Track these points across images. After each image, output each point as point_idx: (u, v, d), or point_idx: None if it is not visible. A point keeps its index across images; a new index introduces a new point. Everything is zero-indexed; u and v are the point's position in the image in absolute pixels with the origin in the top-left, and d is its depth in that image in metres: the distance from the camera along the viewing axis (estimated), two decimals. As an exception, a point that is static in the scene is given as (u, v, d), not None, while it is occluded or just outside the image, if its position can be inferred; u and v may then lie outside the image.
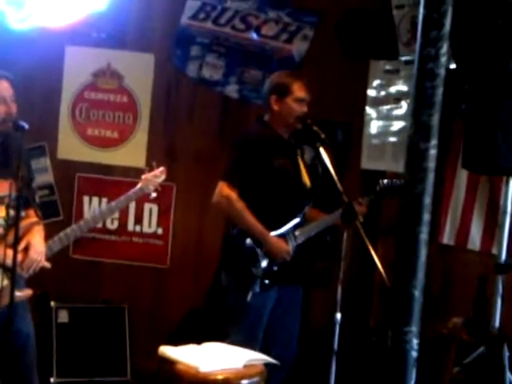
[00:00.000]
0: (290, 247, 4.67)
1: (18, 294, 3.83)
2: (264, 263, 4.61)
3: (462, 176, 5.77)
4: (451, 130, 5.69)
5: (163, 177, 4.59)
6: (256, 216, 4.59)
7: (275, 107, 4.70)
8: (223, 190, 4.56)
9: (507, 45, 4.91)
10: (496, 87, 4.92)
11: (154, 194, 4.53)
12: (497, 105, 4.85)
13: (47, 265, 4.02)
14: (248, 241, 4.61)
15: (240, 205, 4.56)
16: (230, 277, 4.69)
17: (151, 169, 4.57)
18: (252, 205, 4.59)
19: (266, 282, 4.61)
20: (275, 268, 4.64)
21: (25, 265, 3.90)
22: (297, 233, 4.72)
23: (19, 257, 3.86)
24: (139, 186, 4.46)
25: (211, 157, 5.92)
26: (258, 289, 4.57)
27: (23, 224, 3.93)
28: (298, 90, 4.71)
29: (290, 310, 4.83)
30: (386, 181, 4.86)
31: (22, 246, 3.90)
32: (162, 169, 4.59)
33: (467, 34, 5.00)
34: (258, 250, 4.61)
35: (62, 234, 4.13)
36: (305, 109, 4.72)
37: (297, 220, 4.76)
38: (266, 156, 4.63)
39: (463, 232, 5.80)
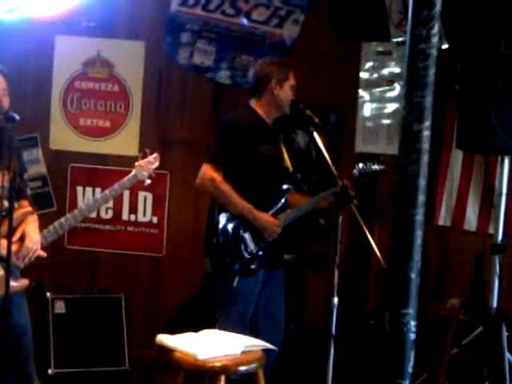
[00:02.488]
0: (279, 221, 4.66)
1: (13, 284, 3.82)
2: (250, 247, 4.63)
3: (457, 157, 5.77)
4: (445, 110, 5.69)
5: (157, 163, 4.57)
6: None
7: (274, 91, 4.72)
8: (207, 172, 4.57)
9: (499, 24, 4.90)
10: (489, 67, 4.92)
11: (148, 181, 4.51)
12: (490, 84, 4.85)
13: (43, 254, 4.01)
14: (233, 225, 4.61)
15: (225, 186, 4.57)
16: (216, 263, 4.69)
17: (145, 155, 4.55)
18: (236, 189, 4.59)
19: (252, 266, 4.63)
20: (260, 253, 4.65)
21: (20, 254, 3.89)
22: (279, 217, 4.71)
23: (15, 247, 3.85)
24: (133, 173, 4.43)
25: (204, 143, 5.88)
26: (243, 273, 4.58)
27: (17, 214, 3.91)
28: (293, 78, 4.76)
29: (275, 294, 4.84)
30: (361, 165, 4.84)
31: (17, 235, 3.89)
32: (155, 155, 4.56)
33: (459, 13, 4.99)
34: (245, 234, 4.63)
35: (56, 223, 4.11)
36: (294, 97, 4.77)
37: (279, 204, 4.76)
38: (251, 141, 4.65)
39: (459, 213, 5.81)
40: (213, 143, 4.75)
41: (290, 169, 4.89)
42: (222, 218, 4.64)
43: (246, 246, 4.62)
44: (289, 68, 4.77)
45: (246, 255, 4.61)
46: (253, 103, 4.80)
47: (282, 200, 4.78)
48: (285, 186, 4.78)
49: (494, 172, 5.64)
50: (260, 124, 4.75)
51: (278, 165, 4.80)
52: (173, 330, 4.16)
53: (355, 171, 4.81)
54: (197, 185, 4.66)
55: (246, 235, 4.64)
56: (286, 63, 4.88)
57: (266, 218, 4.64)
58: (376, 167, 4.82)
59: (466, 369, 5.43)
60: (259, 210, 4.65)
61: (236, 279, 4.57)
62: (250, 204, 4.61)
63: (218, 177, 4.55)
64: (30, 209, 4.07)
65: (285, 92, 4.72)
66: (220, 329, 4.35)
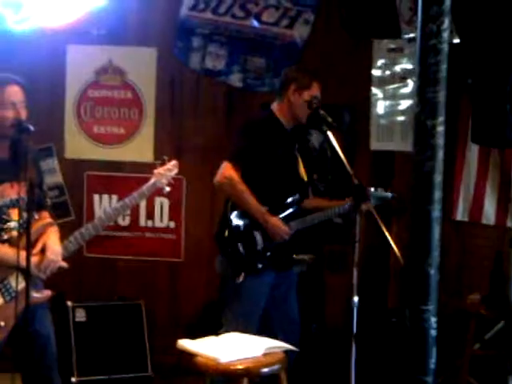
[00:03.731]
0: (288, 229, 4.70)
1: (36, 295, 3.84)
2: (259, 246, 4.68)
3: (473, 151, 5.75)
4: (459, 105, 5.67)
5: (176, 170, 4.56)
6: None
7: (292, 97, 4.74)
8: (226, 170, 4.59)
9: (511, 16, 4.87)
10: (502, 60, 4.89)
11: (167, 189, 4.50)
12: (504, 77, 4.82)
13: (64, 265, 4.02)
14: (245, 222, 4.66)
15: (242, 186, 4.59)
16: (226, 262, 4.72)
17: (163, 163, 4.54)
18: (251, 189, 4.62)
19: (259, 265, 4.66)
20: (268, 253, 4.69)
21: (42, 266, 3.90)
22: (292, 223, 4.76)
23: (36, 259, 3.86)
24: (152, 181, 4.42)
25: (218, 147, 5.90)
26: (249, 271, 4.61)
27: (37, 226, 3.93)
28: (316, 89, 4.76)
29: (288, 295, 4.88)
30: (372, 189, 4.88)
31: (38, 247, 3.90)
32: (174, 162, 4.55)
33: (469, 7, 4.97)
34: (256, 233, 4.67)
35: (77, 233, 4.11)
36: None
37: (290, 210, 4.80)
38: (271, 145, 4.68)
39: (477, 207, 5.79)
40: (233, 142, 4.77)
41: (305, 178, 4.94)
42: (236, 214, 4.68)
43: (256, 245, 4.67)
44: (313, 78, 4.76)
45: (254, 253, 4.66)
46: (274, 106, 4.82)
47: (294, 207, 4.81)
48: (290, 199, 4.81)
49: (510, 165, 5.62)
50: (279, 128, 4.78)
51: (291, 171, 4.84)
52: (194, 335, 4.16)
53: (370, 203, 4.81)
54: (215, 182, 4.68)
55: (257, 234, 4.68)
56: (313, 73, 4.87)
57: (277, 223, 4.68)
58: (388, 194, 4.88)
59: (488, 363, 5.41)
60: (271, 211, 4.68)
61: (242, 275, 4.60)
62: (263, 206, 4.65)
63: (235, 176, 4.57)
64: (50, 220, 4.07)
65: (302, 100, 4.72)
66: (226, 330, 4.38)
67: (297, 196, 4.84)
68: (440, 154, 1.79)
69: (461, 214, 5.84)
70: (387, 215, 5.12)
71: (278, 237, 4.67)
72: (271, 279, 4.73)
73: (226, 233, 4.68)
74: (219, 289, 4.97)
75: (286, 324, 4.80)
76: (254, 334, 4.33)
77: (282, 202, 4.77)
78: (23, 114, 3.92)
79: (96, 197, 6.27)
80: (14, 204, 3.90)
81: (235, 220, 4.68)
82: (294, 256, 5.02)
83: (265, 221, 4.64)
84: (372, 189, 4.86)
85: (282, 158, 4.74)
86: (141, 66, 6.25)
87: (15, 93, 3.93)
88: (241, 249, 4.65)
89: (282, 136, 4.77)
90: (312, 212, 4.88)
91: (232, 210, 4.69)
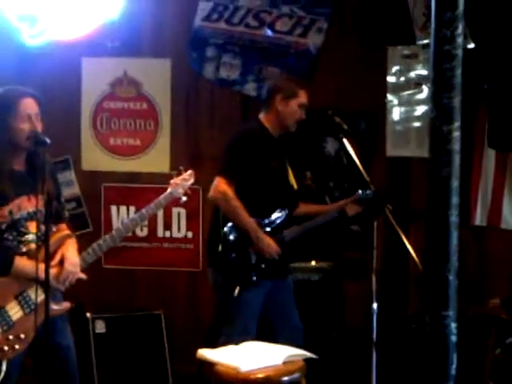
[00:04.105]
0: (279, 249, 4.76)
1: (55, 307, 3.86)
2: (253, 260, 4.72)
3: (490, 156, 5.73)
4: (476, 110, 5.65)
5: (192, 180, 4.58)
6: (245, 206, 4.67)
7: (279, 107, 4.77)
8: (220, 185, 4.62)
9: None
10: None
11: (184, 198, 4.51)
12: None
13: (83, 276, 4.03)
14: (239, 237, 4.68)
15: (236, 203, 4.62)
16: (218, 273, 4.75)
17: (179, 173, 4.56)
18: (242, 200, 4.65)
19: (254, 278, 4.70)
20: (263, 265, 4.73)
21: (61, 278, 3.92)
22: (285, 232, 4.83)
23: (55, 270, 3.88)
24: (169, 191, 4.44)
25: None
26: (245, 284, 4.65)
27: (56, 238, 3.94)
28: (303, 97, 4.80)
29: (285, 301, 4.92)
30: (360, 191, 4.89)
31: (56, 259, 3.92)
32: (190, 172, 4.57)
33: (483, 12, 4.96)
34: (249, 247, 4.71)
35: (95, 245, 4.13)
36: (304, 115, 4.81)
37: (282, 218, 4.84)
38: (263, 155, 4.71)
39: (495, 212, 5.76)
40: (225, 155, 4.78)
41: (295, 186, 4.98)
42: (229, 227, 4.70)
43: (249, 259, 4.70)
44: (299, 87, 4.81)
45: (248, 267, 4.69)
46: (261, 116, 4.85)
47: (283, 215, 4.85)
48: (288, 203, 4.85)
49: (527, 169, 5.60)
50: (267, 137, 4.80)
51: (282, 180, 4.88)
52: (214, 343, 4.17)
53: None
54: (209, 197, 4.74)
55: (250, 248, 4.71)
56: (298, 82, 4.94)
57: (268, 241, 4.72)
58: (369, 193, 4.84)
59: (510, 368, 5.38)
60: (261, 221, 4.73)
61: (237, 289, 4.63)
62: (255, 219, 4.69)
63: (229, 192, 4.60)
64: (68, 232, 4.09)
65: (290, 109, 4.76)
66: (224, 341, 4.39)
67: (286, 210, 4.86)
68: (456, 160, 1.78)
69: (479, 219, 5.82)
70: (405, 221, 5.12)
71: (268, 255, 4.72)
72: (266, 288, 4.77)
73: (220, 247, 4.69)
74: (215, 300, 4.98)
75: (289, 331, 4.81)
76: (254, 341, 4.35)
77: (272, 211, 4.81)
78: (39, 127, 3.95)
79: (113, 208, 6.29)
80: (31, 217, 3.92)
81: (229, 233, 4.70)
82: (296, 264, 5.07)
83: (257, 237, 4.68)
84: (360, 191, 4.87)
85: (273, 165, 4.76)
86: (156, 77, 6.27)
87: (30, 105, 3.96)
88: (235, 262, 4.68)
89: (271, 145, 4.79)
90: (303, 219, 4.94)
91: (224, 222, 4.71)
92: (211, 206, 4.93)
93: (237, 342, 4.23)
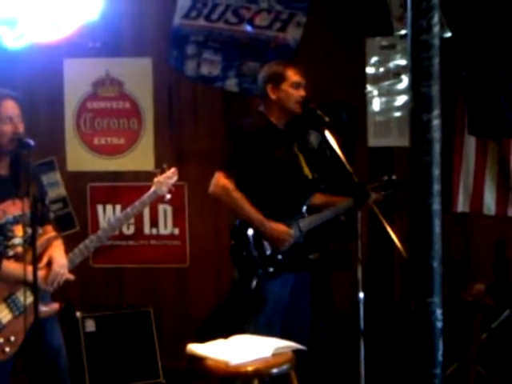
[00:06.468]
0: (291, 230, 4.65)
1: (44, 309, 3.88)
2: (268, 251, 4.61)
3: (471, 143, 5.78)
4: (455, 98, 5.69)
5: (175, 177, 4.60)
6: (258, 208, 4.58)
7: (272, 96, 4.69)
8: (220, 179, 4.55)
9: (501, 7, 4.90)
10: (494, 51, 4.92)
11: (168, 196, 4.55)
12: (497, 68, 4.85)
13: (71, 277, 4.06)
14: (251, 230, 4.61)
15: (237, 194, 4.55)
16: (240, 270, 4.71)
17: (163, 171, 4.59)
18: (253, 197, 4.58)
19: (270, 269, 4.60)
20: (279, 256, 4.63)
21: (49, 279, 3.94)
22: (301, 223, 4.72)
23: (43, 272, 3.90)
24: (153, 189, 4.47)
25: (218, 152, 5.92)
26: (262, 277, 4.58)
27: (42, 240, 3.96)
28: (293, 75, 4.69)
29: (300, 296, 4.81)
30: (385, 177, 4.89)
31: (44, 261, 3.94)
32: (173, 169, 4.60)
33: (459, 1, 4.99)
34: (262, 239, 4.62)
35: (81, 245, 4.16)
36: (302, 92, 4.70)
37: (299, 213, 4.77)
38: (263, 147, 4.62)
39: (477, 198, 5.81)
40: (225, 150, 4.76)
41: (310, 176, 4.87)
42: (241, 223, 4.65)
43: (265, 250, 4.61)
44: (285, 67, 4.71)
45: (264, 259, 4.60)
46: (262, 108, 4.81)
47: (303, 207, 4.79)
48: (305, 193, 4.79)
49: (508, 155, 5.65)
50: (271, 129, 4.72)
51: (292, 170, 4.77)
52: (203, 339, 4.19)
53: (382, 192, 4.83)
54: (210, 192, 4.64)
55: (263, 240, 4.62)
56: (282, 64, 4.82)
57: (276, 227, 4.60)
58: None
59: (496, 352, 5.44)
60: (279, 216, 4.64)
61: (254, 281, 4.56)
62: (267, 213, 4.59)
63: (230, 185, 4.54)
64: (54, 233, 4.11)
65: (283, 93, 4.68)
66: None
67: (312, 194, 4.81)
68: (437, 148, 1.80)
69: (461, 206, 5.87)
70: (389, 210, 5.15)
71: (281, 239, 4.60)
72: (290, 282, 4.69)
73: (236, 243, 4.68)
74: (237, 297, 4.93)
75: (294, 329, 4.72)
76: (278, 336, 4.33)
77: (289, 205, 4.72)
78: (21, 128, 3.96)
79: (100, 207, 6.30)
80: (17, 220, 3.94)
81: (241, 228, 4.64)
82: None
83: (264, 227, 4.57)
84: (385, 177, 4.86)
85: (278, 156, 4.67)
86: (137, 76, 6.28)
87: (11, 107, 3.97)
88: (252, 256, 4.61)
89: (276, 136, 4.72)
90: (320, 209, 4.85)
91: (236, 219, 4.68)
92: (213, 202, 4.90)
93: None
